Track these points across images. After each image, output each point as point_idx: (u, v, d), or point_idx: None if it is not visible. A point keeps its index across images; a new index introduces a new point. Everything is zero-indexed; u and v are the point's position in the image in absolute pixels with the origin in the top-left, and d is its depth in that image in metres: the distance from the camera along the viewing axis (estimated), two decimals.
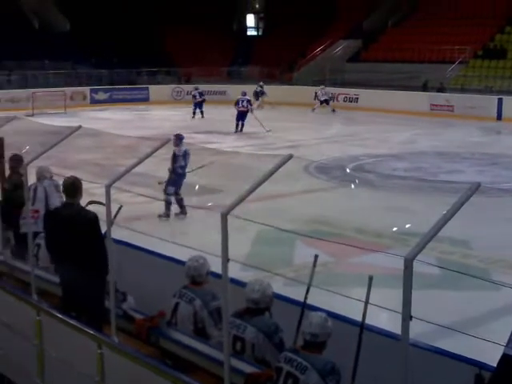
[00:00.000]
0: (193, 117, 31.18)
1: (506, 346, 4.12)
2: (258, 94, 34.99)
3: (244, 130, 26.48)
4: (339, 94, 35.65)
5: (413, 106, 31.28)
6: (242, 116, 25.89)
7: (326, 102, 33.55)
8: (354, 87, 35.38)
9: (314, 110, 33.28)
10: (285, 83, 39.25)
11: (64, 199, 8.52)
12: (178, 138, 12.74)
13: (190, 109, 32.96)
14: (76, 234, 5.80)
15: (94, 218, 5.75)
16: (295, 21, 42.85)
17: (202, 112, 31.29)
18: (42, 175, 8.57)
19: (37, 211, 8.18)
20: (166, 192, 12.21)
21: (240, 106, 25.84)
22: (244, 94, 26.38)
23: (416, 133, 25.65)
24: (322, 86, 34.25)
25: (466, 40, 35.23)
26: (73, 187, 6.08)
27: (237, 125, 25.99)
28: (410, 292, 3.67)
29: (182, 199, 12.27)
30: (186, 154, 12.58)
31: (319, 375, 4.53)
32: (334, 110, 33.08)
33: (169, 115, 32.47)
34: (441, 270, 8.92)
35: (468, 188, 3.91)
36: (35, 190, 8.46)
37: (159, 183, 12.26)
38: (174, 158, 12.53)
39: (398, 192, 15.35)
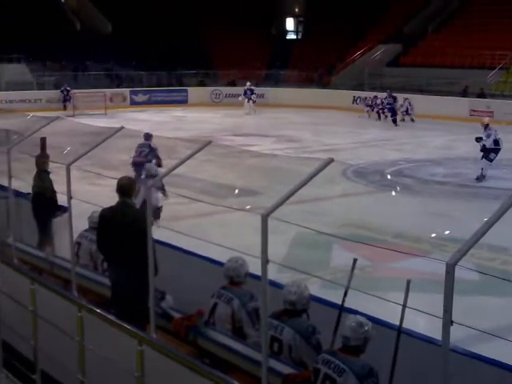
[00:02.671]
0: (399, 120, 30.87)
1: None
2: (247, 95, 35.10)
3: (281, 133, 26.45)
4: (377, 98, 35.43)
5: (452, 112, 31.01)
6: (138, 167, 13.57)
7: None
8: (392, 92, 35.17)
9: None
10: (323, 87, 39.19)
11: (137, 200, 8.97)
12: None
13: (228, 111, 33.08)
14: (131, 233, 5.88)
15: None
16: (335, 25, 42.76)
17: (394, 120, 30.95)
18: (149, 173, 10.26)
19: None
20: None
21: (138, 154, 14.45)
22: (147, 137, 14.22)
23: (455, 138, 25.43)
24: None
25: (507, 46, 34.80)
26: (127, 187, 6.18)
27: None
28: (452, 297, 3.65)
29: None
30: None
31: (357, 378, 4.53)
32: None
33: (207, 117, 32.62)
34: (480, 276, 8.84)
35: (511, 194, 3.88)
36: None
37: None
38: None
39: (437, 197, 15.25)
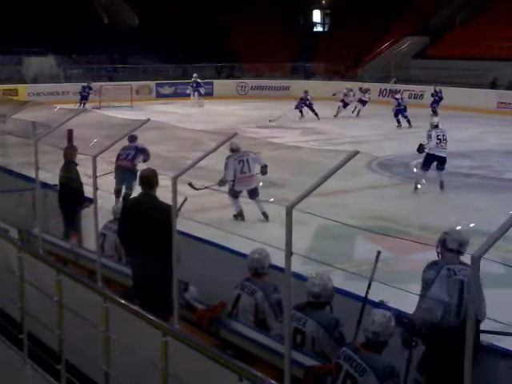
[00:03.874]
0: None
1: None
2: (193, 87, 34.49)
3: (306, 125, 26.34)
4: (404, 91, 35.19)
5: (479, 104, 30.69)
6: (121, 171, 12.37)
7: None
8: (419, 84, 34.89)
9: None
10: (349, 79, 38.97)
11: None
12: None
13: (252, 104, 32.94)
14: (154, 225, 5.94)
15: (170, 209, 5.52)
16: (362, 17, 42.46)
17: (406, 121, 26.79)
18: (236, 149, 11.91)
19: (252, 176, 12.04)
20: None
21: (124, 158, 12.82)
22: (131, 139, 12.43)
23: (482, 131, 25.17)
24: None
25: None
26: (151, 178, 6.26)
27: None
28: (476, 290, 3.62)
29: None
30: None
31: (377, 379, 4.52)
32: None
33: (232, 110, 32.63)
34: (506, 269, 8.75)
35: None
36: (248, 161, 11.97)
37: None
38: None
39: (463, 190, 15.10)
